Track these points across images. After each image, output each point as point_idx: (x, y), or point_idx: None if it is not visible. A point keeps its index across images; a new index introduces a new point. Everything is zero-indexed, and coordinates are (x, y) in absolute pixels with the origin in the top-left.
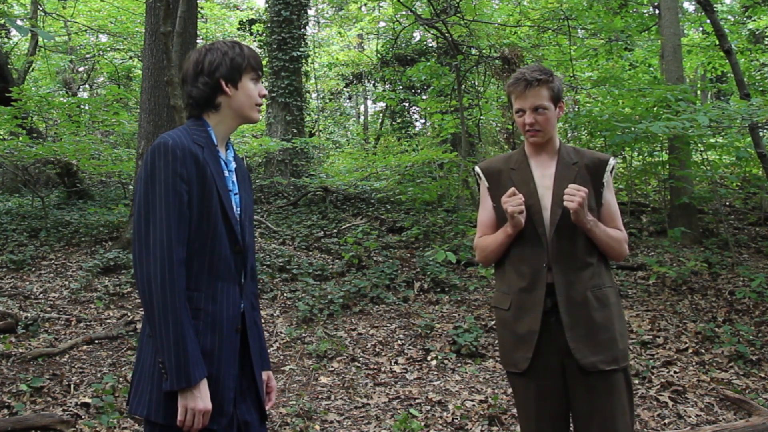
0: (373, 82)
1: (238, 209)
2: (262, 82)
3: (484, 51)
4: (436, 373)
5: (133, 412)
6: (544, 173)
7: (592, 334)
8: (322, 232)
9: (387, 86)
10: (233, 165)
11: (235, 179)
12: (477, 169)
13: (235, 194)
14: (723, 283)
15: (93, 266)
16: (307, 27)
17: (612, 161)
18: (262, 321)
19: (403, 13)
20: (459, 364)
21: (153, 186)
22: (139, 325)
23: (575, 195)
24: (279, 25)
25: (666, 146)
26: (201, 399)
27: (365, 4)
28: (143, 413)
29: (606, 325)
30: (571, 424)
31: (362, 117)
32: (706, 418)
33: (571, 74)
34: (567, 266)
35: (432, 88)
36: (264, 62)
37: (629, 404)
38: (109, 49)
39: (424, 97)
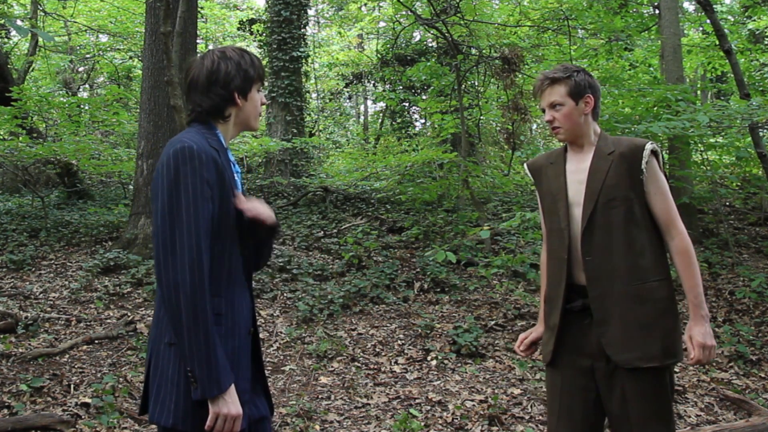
0: (373, 82)
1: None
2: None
3: (484, 51)
4: (436, 373)
5: (156, 421)
6: (578, 167)
7: (626, 331)
8: (322, 232)
9: (387, 86)
10: (237, 166)
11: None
12: (525, 166)
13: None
14: (723, 283)
15: (93, 266)
16: (307, 27)
17: (649, 146)
18: (262, 321)
19: (403, 13)
20: (459, 364)
21: (178, 191)
22: (139, 326)
23: (702, 358)
24: (279, 25)
25: (666, 146)
26: (233, 404)
27: (365, 4)
28: (168, 422)
29: (645, 321)
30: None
31: (362, 117)
32: (706, 418)
33: None
34: (601, 261)
35: (432, 88)
36: (264, 62)
37: (668, 408)
38: (109, 49)
39: (424, 97)
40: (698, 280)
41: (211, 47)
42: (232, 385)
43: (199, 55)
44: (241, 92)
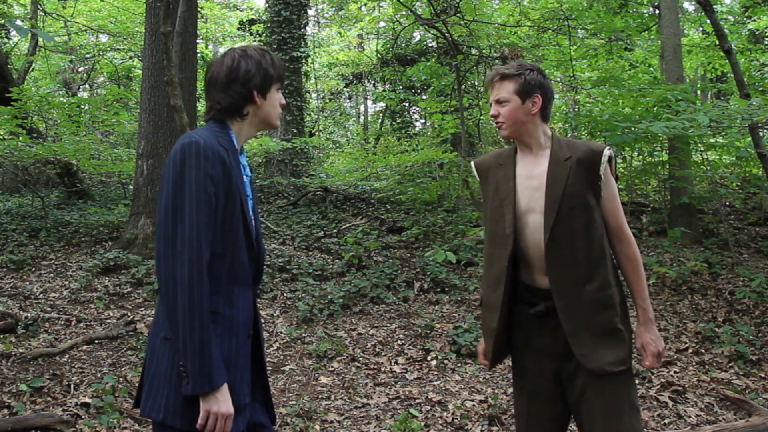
0: (373, 82)
1: (252, 214)
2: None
3: (484, 51)
4: (436, 373)
5: (147, 415)
6: (532, 173)
7: (595, 338)
8: (322, 232)
9: (387, 86)
10: (248, 170)
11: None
12: (472, 164)
13: (251, 199)
14: (723, 283)
15: (93, 266)
16: (307, 27)
17: (607, 152)
18: (262, 321)
19: (403, 13)
20: (459, 364)
21: (182, 185)
22: (139, 326)
23: (656, 364)
24: (279, 25)
25: (666, 146)
26: (224, 403)
27: (365, 4)
28: (158, 417)
29: (610, 327)
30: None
31: (362, 117)
32: (706, 418)
33: (571, 74)
34: (566, 271)
35: (432, 88)
36: None
37: (633, 400)
38: (109, 49)
39: (424, 97)
40: (645, 284)
41: (211, 47)
42: (225, 384)
43: (220, 53)
44: (260, 91)
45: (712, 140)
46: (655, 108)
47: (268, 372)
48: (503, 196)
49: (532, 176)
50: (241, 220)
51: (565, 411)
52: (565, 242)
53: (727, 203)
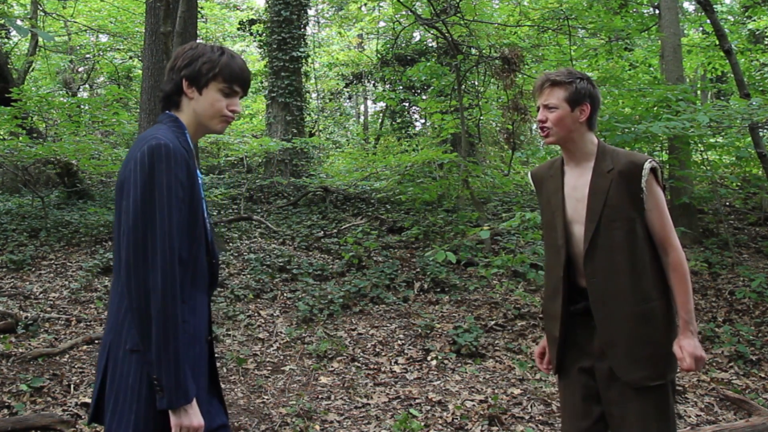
0: (373, 82)
1: (207, 217)
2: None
3: (484, 51)
4: (436, 373)
5: None
6: (577, 184)
7: (633, 351)
8: (322, 232)
9: (387, 86)
10: (200, 173)
11: None
12: (528, 175)
13: (204, 201)
14: (723, 283)
15: (93, 266)
16: (307, 27)
17: (648, 164)
18: (263, 321)
19: (403, 13)
20: (459, 364)
21: (152, 190)
22: None
23: (694, 367)
24: (279, 25)
25: (666, 146)
26: (195, 416)
27: (365, 4)
28: None
29: (650, 340)
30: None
31: (362, 117)
32: (706, 418)
33: None
34: (606, 283)
35: (432, 88)
36: (264, 62)
37: (668, 410)
38: (109, 49)
39: (424, 97)
40: (690, 297)
41: None
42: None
43: None
44: (192, 82)
45: (712, 140)
46: (655, 108)
47: (268, 372)
48: (554, 208)
49: (576, 187)
50: (202, 224)
51: (601, 411)
52: (604, 254)
53: (727, 203)
